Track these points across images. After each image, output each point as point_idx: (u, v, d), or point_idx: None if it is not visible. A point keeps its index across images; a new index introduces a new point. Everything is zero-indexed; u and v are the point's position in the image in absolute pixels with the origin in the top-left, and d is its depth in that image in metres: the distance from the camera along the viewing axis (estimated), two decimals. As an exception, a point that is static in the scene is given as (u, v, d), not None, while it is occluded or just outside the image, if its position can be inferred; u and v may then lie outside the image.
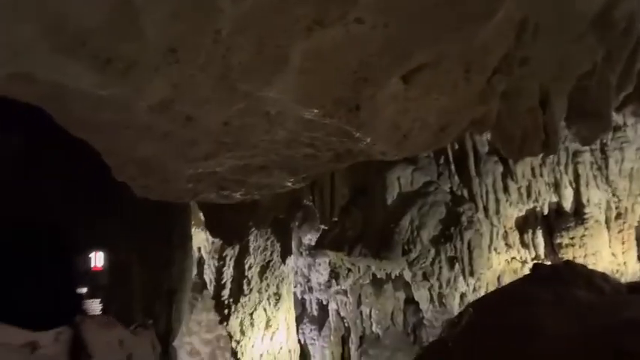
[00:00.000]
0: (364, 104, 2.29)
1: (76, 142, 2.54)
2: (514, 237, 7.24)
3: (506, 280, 6.75)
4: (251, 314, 7.62)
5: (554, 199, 7.15)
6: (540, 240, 7.19)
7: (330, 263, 7.83)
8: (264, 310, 7.77)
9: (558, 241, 7.03)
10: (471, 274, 6.42)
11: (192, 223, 6.62)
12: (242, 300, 7.53)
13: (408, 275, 6.86)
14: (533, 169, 6.98)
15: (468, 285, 6.64)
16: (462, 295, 6.72)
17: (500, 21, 2.50)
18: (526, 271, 6.08)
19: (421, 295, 7.06)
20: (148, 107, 2.11)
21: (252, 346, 7.76)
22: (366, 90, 2.21)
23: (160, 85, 1.98)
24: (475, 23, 2.32)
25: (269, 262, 7.68)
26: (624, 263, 7.03)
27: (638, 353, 2.39)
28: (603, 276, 3.42)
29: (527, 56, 3.30)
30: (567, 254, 6.81)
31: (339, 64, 2.08)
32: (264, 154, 2.72)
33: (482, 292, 6.42)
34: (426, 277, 6.58)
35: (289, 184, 3.23)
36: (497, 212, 6.91)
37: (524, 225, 7.24)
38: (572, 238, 6.91)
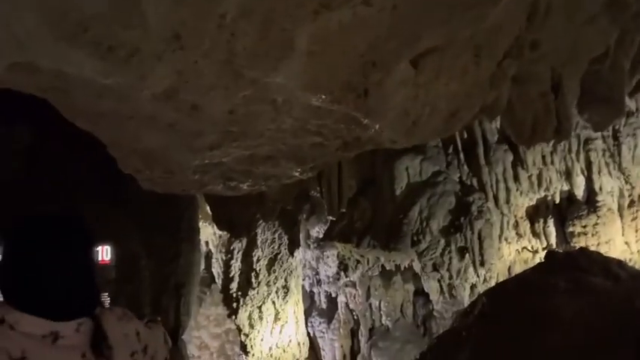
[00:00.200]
0: (372, 89, 2.24)
1: (82, 135, 2.52)
2: (525, 226, 7.15)
3: (517, 270, 6.68)
4: (259, 307, 7.61)
5: (566, 187, 7.05)
6: (552, 229, 7.10)
7: (338, 255, 7.80)
8: (273, 303, 7.75)
9: (570, 229, 6.93)
10: (482, 264, 6.35)
11: (200, 217, 6.60)
12: (250, 293, 7.52)
13: (417, 266, 6.80)
14: (544, 157, 6.88)
15: (478, 276, 6.57)
16: (473, 286, 6.65)
17: (511, 1, 2.43)
18: (537, 261, 6.01)
19: (431, 286, 7.00)
20: (151, 96, 2.07)
21: (262, 340, 7.76)
22: (375, 74, 2.15)
23: (163, 73, 1.94)
24: (485, 4, 2.25)
25: (277, 254, 7.65)
26: (638, 252, 6.93)
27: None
28: (619, 263, 3.35)
29: (539, 39, 3.22)
30: (579, 243, 6.71)
31: (346, 48, 2.02)
32: (270, 144, 2.68)
33: (492, 283, 6.34)
34: (435, 268, 6.52)
35: (296, 174, 3.19)
36: (508, 201, 6.81)
37: (535, 214, 7.15)
38: (584, 227, 6.82)
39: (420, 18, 2.08)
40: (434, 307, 7.53)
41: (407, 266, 7.13)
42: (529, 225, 7.16)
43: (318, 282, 9.18)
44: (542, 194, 7.05)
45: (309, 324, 9.12)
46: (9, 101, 2.75)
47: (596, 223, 6.78)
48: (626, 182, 6.92)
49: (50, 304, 0.90)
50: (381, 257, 7.01)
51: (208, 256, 8.38)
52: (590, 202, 6.97)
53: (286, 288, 7.81)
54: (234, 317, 7.60)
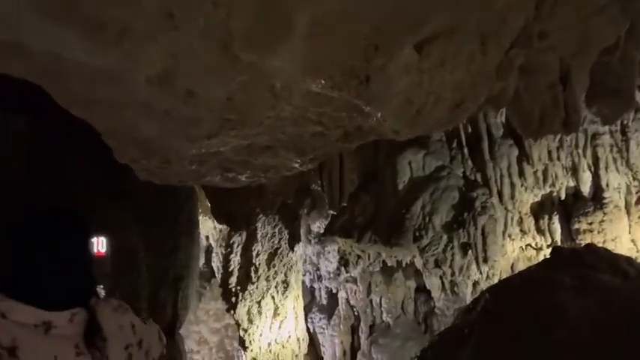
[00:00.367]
0: (375, 75, 2.15)
1: (79, 126, 2.45)
2: (529, 223, 7.05)
3: (520, 268, 6.58)
4: (259, 302, 7.55)
5: (572, 183, 6.94)
6: (557, 226, 7.00)
7: (339, 251, 7.73)
8: (272, 298, 7.69)
9: (576, 226, 6.83)
10: (485, 261, 6.26)
11: (200, 211, 6.54)
12: (250, 288, 7.46)
13: (419, 262, 6.72)
14: (549, 152, 6.77)
15: (481, 273, 6.48)
16: (475, 283, 6.57)
17: (521, -14, 2.34)
18: (541, 258, 5.92)
19: (432, 283, 6.93)
20: (146, 80, 2.00)
21: (260, 335, 7.70)
22: (377, 59, 2.07)
23: (157, 55, 1.86)
24: (494, -13, 2.17)
25: (277, 249, 7.59)
26: (645, 249, 6.83)
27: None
28: (628, 260, 3.26)
29: (547, 28, 3.13)
30: (585, 240, 6.62)
31: (348, 31, 1.94)
32: (269, 133, 2.60)
33: (495, 281, 6.26)
34: (437, 264, 6.43)
35: (296, 165, 3.11)
36: (512, 197, 6.71)
37: (540, 210, 7.05)
38: (590, 224, 6.71)
39: (426, 0, 1.99)
40: (435, 304, 7.47)
41: (408, 262, 7.06)
42: (534, 221, 7.07)
43: (319, 277, 9.14)
44: (548, 190, 6.94)
45: (309, 320, 9.08)
46: (4, 91, 2.68)
47: (603, 220, 6.67)
48: (634, 178, 6.80)
49: (44, 293, 0.88)
50: (383, 253, 6.93)
51: (209, 250, 8.34)
52: (597, 198, 6.86)
53: (286, 283, 7.75)
54: (232, 312, 7.55)
